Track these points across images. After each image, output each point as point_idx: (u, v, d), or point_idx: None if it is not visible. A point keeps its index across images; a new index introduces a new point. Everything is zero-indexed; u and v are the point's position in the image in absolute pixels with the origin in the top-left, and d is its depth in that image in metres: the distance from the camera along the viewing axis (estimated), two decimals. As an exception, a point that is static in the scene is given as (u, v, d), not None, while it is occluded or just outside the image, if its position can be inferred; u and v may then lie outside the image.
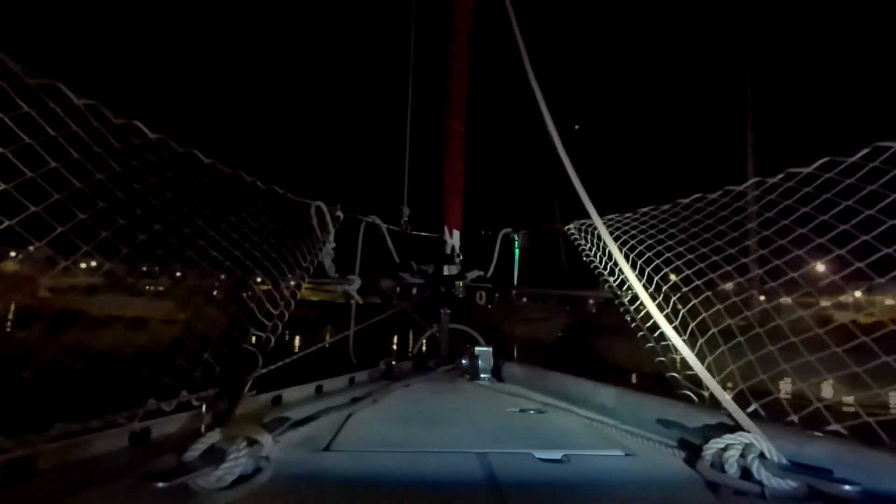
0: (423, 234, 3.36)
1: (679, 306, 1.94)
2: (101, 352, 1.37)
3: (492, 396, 2.29)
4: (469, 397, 2.32)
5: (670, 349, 1.75)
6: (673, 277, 2.03)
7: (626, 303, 2.14)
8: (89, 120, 1.35)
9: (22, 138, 1.22)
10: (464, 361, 2.79)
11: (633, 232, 2.25)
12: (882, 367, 1.33)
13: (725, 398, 1.44)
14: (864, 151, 1.49)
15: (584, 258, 2.59)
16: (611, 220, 2.38)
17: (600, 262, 2.43)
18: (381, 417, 1.86)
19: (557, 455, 1.42)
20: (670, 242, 2.10)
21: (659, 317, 1.71)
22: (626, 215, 2.40)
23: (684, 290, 1.97)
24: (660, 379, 1.86)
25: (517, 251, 3.45)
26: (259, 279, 1.95)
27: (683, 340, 1.66)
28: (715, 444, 1.27)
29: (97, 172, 1.38)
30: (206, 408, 1.51)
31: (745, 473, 1.19)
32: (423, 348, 3.17)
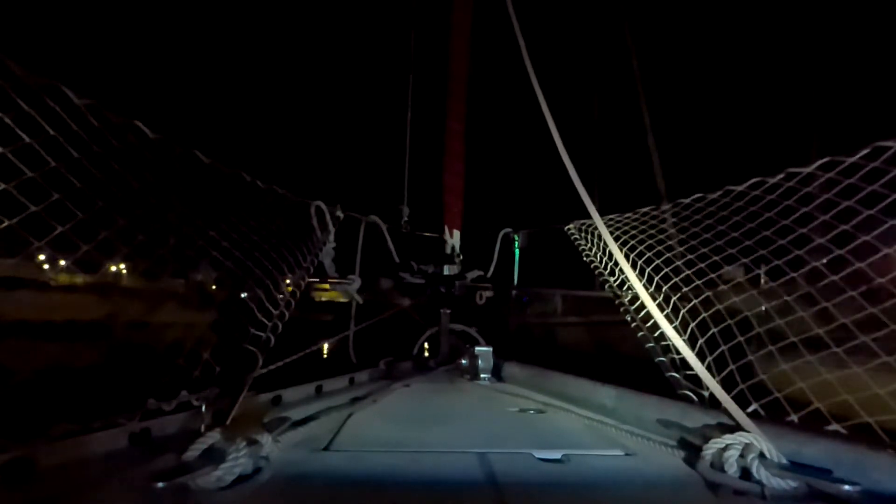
0: (426, 234, 3.36)
1: (679, 306, 1.94)
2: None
3: (492, 396, 2.29)
4: (469, 397, 2.32)
5: (670, 349, 1.75)
6: (673, 277, 2.03)
7: (626, 303, 2.14)
8: (89, 120, 1.36)
9: (21, 138, 1.22)
10: (464, 361, 2.79)
11: (633, 232, 2.25)
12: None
13: (725, 398, 1.44)
14: (865, 151, 1.49)
15: (584, 258, 2.59)
16: (611, 220, 2.38)
17: (600, 262, 2.43)
18: (381, 417, 1.86)
19: (557, 455, 1.42)
20: (671, 242, 2.10)
21: (659, 317, 1.71)
22: (626, 215, 2.40)
23: (684, 290, 1.97)
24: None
25: (517, 251, 3.45)
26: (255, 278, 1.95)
27: (683, 340, 1.65)
28: (715, 444, 1.27)
29: (97, 172, 1.38)
30: (206, 408, 1.51)
31: (745, 473, 1.19)
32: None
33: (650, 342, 1.95)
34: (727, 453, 1.23)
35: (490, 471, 1.30)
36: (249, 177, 1.97)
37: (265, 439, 1.26)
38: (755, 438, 1.24)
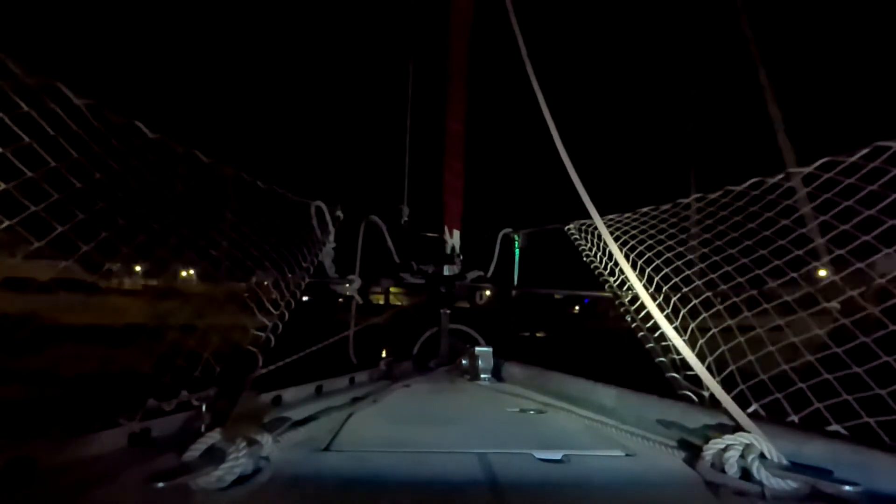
0: (430, 234, 3.35)
1: (679, 306, 1.94)
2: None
3: (492, 396, 2.29)
4: (469, 397, 2.32)
5: (670, 349, 1.75)
6: (673, 277, 2.03)
7: (626, 303, 2.15)
8: (89, 120, 1.36)
9: (21, 138, 1.22)
10: (464, 361, 2.79)
11: (634, 232, 2.26)
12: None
13: (725, 398, 1.44)
14: (865, 151, 1.49)
15: (585, 258, 2.59)
16: (611, 220, 2.39)
17: (600, 262, 2.43)
18: (381, 417, 1.86)
19: (557, 455, 1.42)
20: (670, 242, 2.10)
21: (659, 317, 1.71)
22: (626, 215, 2.40)
23: (684, 290, 1.97)
24: None
25: (517, 251, 3.45)
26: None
27: (683, 340, 1.65)
28: (715, 445, 1.27)
29: (97, 172, 1.38)
30: (206, 408, 1.50)
31: (745, 474, 1.19)
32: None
33: (650, 342, 1.95)
34: (727, 453, 1.23)
35: (490, 471, 1.30)
36: (249, 177, 1.98)
37: (265, 439, 1.26)
38: (755, 439, 1.24)
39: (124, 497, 1.09)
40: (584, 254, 2.61)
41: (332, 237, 2.52)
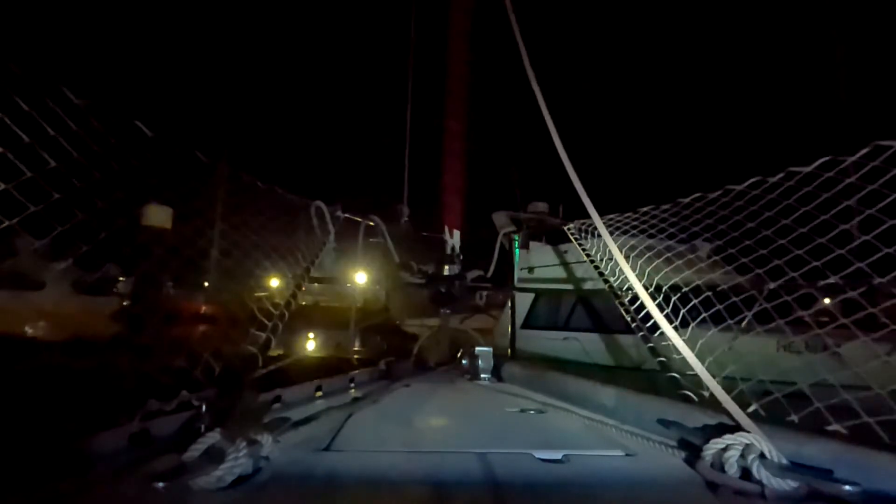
0: (437, 235, 3.35)
1: (679, 306, 1.94)
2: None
3: (492, 396, 2.29)
4: (469, 397, 2.32)
5: (670, 349, 1.75)
6: (673, 277, 2.03)
7: (626, 303, 2.15)
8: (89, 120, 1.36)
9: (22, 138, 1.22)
10: (463, 361, 2.79)
11: (634, 232, 2.26)
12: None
13: (725, 398, 1.44)
14: (865, 151, 1.49)
15: (585, 258, 2.60)
16: (611, 220, 2.39)
17: (600, 262, 2.43)
18: (381, 417, 1.86)
19: (557, 455, 1.42)
20: (671, 242, 2.10)
21: (659, 317, 1.71)
22: (627, 215, 2.40)
23: (685, 290, 1.97)
24: None
25: (517, 251, 3.45)
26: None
27: (683, 340, 1.65)
28: (715, 445, 1.27)
29: (95, 171, 1.38)
30: (206, 408, 1.50)
31: (745, 474, 1.19)
32: None
33: (650, 342, 1.95)
34: (727, 453, 1.23)
35: (490, 471, 1.30)
36: (249, 177, 1.98)
37: (265, 439, 1.26)
38: (755, 439, 1.23)
39: (124, 497, 1.09)
40: (584, 253, 2.61)
41: (332, 237, 2.52)
